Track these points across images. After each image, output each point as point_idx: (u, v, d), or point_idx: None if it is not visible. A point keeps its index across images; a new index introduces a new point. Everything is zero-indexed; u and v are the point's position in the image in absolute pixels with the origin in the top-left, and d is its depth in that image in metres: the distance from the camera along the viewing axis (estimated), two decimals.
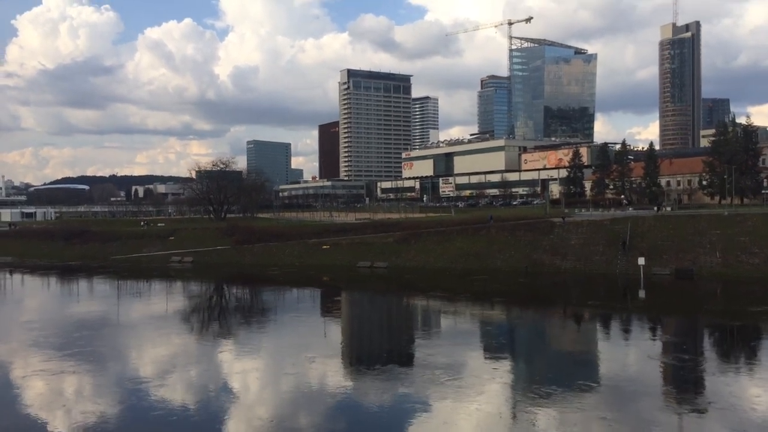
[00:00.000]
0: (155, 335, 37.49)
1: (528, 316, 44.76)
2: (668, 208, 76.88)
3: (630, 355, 31.74)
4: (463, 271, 61.62)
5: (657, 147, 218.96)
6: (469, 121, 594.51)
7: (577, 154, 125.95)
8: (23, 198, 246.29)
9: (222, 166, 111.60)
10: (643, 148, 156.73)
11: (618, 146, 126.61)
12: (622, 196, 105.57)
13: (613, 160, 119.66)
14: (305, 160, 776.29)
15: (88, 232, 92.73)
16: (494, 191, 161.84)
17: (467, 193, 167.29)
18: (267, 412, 22.60)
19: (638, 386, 25.13)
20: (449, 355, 30.63)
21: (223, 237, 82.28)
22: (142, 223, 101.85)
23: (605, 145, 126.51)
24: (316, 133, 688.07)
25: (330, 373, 27.80)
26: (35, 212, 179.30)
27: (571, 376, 27.08)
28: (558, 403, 22.87)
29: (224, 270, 71.53)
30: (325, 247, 73.08)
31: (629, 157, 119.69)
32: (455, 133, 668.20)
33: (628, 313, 44.88)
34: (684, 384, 26.27)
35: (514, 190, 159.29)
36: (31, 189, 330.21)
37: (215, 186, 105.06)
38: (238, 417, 22.30)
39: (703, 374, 27.50)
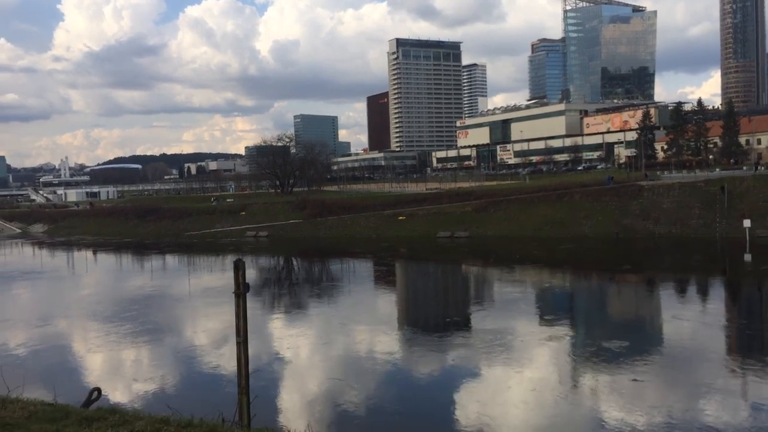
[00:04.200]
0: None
1: (629, 283, 42.62)
2: (762, 167, 72.80)
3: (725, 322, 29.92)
4: (549, 239, 59.70)
5: (719, 105, 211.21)
6: (514, 88, 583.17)
7: (647, 116, 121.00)
8: (87, 178, 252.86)
9: (287, 140, 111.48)
10: (713, 107, 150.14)
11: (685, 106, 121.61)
12: (710, 158, 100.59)
13: (685, 120, 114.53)
14: (348, 133, 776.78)
15: (161, 210, 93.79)
16: (559, 156, 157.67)
17: (533, 159, 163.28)
18: (323, 378, 22.39)
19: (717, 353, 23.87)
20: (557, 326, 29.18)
21: (295, 211, 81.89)
22: (212, 199, 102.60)
23: (679, 104, 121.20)
24: (358, 105, 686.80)
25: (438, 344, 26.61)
26: (99, 192, 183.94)
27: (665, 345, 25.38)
28: (617, 369, 21.68)
29: (302, 243, 71.34)
30: (401, 218, 71.87)
31: (699, 116, 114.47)
32: (499, 100, 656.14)
33: (735, 278, 42.64)
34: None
35: (571, 155, 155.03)
36: (87, 169, 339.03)
37: (281, 160, 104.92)
38: (290, 380, 22.31)
39: None
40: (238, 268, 6.55)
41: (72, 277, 56.40)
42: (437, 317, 33.75)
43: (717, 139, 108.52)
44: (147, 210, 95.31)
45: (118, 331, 30.39)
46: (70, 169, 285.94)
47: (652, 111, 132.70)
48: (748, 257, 47.73)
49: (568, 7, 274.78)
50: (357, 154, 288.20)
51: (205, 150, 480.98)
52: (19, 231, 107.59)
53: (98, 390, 7.43)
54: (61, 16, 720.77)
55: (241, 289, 6.61)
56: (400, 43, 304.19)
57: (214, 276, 51.94)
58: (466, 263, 54.66)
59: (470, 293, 42.40)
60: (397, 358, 24.68)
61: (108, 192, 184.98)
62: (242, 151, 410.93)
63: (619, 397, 18.94)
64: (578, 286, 43.13)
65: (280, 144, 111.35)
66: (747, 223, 51.14)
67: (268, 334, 30.22)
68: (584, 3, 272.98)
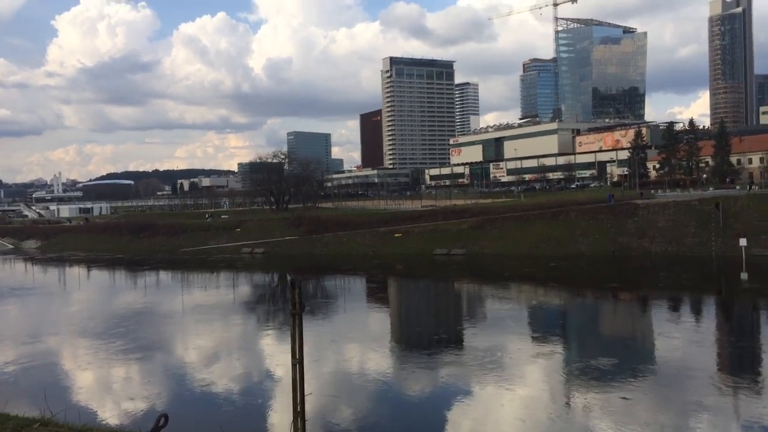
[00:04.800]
0: (239, 324, 36.82)
1: (624, 301, 42.74)
2: (755, 187, 73.47)
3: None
4: (545, 256, 59.83)
5: (707, 125, 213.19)
6: (505, 107, 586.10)
7: (639, 135, 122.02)
8: (80, 194, 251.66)
9: (282, 157, 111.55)
10: (703, 127, 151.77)
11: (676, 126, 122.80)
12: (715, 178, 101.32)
13: (676, 139, 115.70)
14: (341, 150, 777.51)
15: (155, 226, 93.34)
16: (554, 175, 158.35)
17: (525, 177, 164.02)
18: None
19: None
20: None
21: (290, 227, 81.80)
22: (207, 216, 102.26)
23: (671, 124, 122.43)
24: (350, 123, 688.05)
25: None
26: (92, 207, 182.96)
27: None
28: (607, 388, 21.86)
29: (297, 260, 71.12)
30: (397, 235, 71.90)
31: (690, 136, 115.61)
32: (490, 119, 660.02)
33: (731, 297, 42.97)
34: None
35: (566, 173, 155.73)
36: (80, 185, 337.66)
37: (276, 177, 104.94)
38: (281, 398, 21.94)
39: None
40: (295, 287, 6.48)
41: (67, 293, 56.05)
42: (430, 335, 33.70)
43: (709, 159, 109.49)
44: (141, 226, 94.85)
45: (128, 348, 30.16)
46: (62, 184, 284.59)
47: (644, 130, 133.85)
48: (744, 276, 48.01)
49: (559, 28, 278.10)
50: (350, 171, 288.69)
51: (197, 166, 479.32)
52: (11, 247, 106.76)
53: (165, 417, 7.25)
54: (55, 32, 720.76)
55: (297, 309, 6.52)
56: (393, 61, 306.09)
57: (211, 293, 51.78)
58: (463, 281, 54.70)
59: (465, 311, 42.39)
60: (390, 376, 24.69)
61: (101, 208, 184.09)
62: (235, 168, 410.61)
63: (610, 415, 19.04)
64: (572, 304, 43.23)
65: (275, 161, 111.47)
66: (743, 242, 51.40)
67: (261, 350, 30.44)
68: (575, 24, 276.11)
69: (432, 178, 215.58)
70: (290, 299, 6.68)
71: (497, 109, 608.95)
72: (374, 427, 19.18)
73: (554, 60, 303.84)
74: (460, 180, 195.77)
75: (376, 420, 19.80)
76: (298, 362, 6.75)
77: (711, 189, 77.97)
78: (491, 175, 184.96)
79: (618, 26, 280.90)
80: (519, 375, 23.85)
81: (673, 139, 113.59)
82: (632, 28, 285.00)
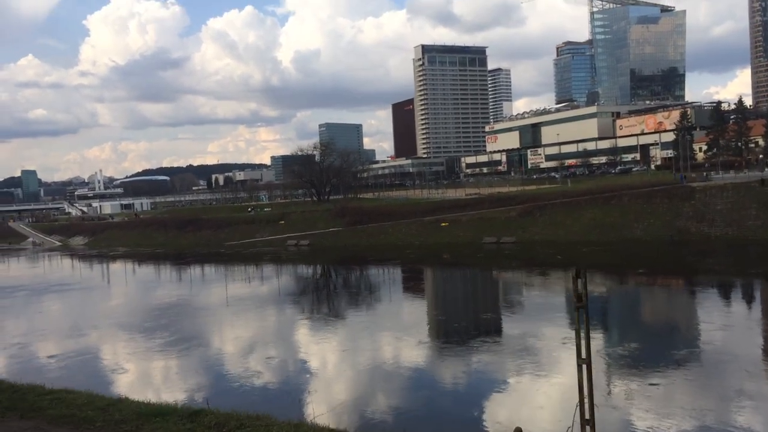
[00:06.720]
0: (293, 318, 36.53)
1: (675, 288, 41.24)
2: None
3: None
4: (599, 243, 58.46)
5: (749, 105, 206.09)
6: (537, 92, 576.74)
7: (685, 116, 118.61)
8: (121, 191, 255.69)
9: (322, 149, 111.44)
10: (750, 106, 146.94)
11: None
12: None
13: (724, 119, 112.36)
14: (371, 141, 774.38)
15: (200, 220, 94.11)
16: (596, 159, 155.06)
17: (565, 162, 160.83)
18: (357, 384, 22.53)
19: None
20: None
21: (334, 219, 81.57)
22: (249, 209, 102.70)
23: (719, 104, 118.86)
24: (380, 113, 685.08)
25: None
26: (133, 204, 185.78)
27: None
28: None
29: (343, 251, 70.83)
30: (444, 224, 71.12)
31: (738, 116, 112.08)
32: (522, 104, 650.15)
33: None
34: None
35: (611, 157, 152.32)
36: (116, 182, 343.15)
37: (318, 168, 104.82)
38: (318, 388, 22.09)
39: None
40: (579, 277, 5.80)
41: (131, 288, 56.73)
42: (470, 323, 33.14)
43: (759, 139, 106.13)
44: (186, 221, 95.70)
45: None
46: (101, 182, 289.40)
47: (689, 111, 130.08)
48: None
49: (594, 9, 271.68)
50: (384, 162, 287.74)
51: (230, 160, 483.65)
52: (59, 244, 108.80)
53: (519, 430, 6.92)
54: (87, 32, 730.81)
55: (583, 301, 5.84)
56: (425, 49, 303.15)
57: (271, 286, 51.86)
58: (515, 269, 53.75)
59: (521, 299, 41.23)
60: (424, 364, 24.67)
61: (141, 204, 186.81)
62: (266, 161, 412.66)
63: (649, 401, 18.57)
64: (627, 290, 41.92)
65: (315, 152, 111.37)
66: None
67: (304, 341, 30.55)
68: (611, 4, 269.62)
69: (468, 165, 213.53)
70: (573, 291, 5.94)
71: (529, 94, 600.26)
72: (411, 415, 18.82)
73: (589, 42, 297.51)
74: (498, 167, 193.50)
75: (411, 407, 19.56)
76: (585, 362, 5.98)
77: (766, 170, 75.39)
78: (529, 162, 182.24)
79: (655, 5, 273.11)
80: (553, 362, 23.37)
81: (721, 120, 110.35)
82: (670, 7, 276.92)
